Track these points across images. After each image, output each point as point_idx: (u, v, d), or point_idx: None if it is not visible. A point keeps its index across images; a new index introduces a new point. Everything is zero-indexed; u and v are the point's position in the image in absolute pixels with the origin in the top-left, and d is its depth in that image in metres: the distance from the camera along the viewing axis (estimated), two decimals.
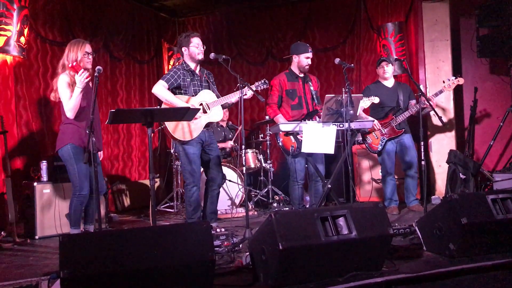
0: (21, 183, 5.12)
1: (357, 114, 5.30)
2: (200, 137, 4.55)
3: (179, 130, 4.48)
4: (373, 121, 5.26)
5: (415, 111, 5.27)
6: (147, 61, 7.65)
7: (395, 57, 6.26)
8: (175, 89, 4.60)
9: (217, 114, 4.61)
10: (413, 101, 5.57)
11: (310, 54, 5.03)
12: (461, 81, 5.37)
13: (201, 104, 4.54)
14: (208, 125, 4.61)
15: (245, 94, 4.39)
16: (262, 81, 4.67)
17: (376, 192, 6.23)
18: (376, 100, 5.09)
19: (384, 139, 5.42)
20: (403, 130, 5.42)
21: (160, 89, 4.51)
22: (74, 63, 4.04)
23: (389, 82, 5.58)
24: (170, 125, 4.48)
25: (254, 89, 4.48)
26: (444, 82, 5.41)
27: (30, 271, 3.49)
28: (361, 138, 5.87)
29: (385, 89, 5.52)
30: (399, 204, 5.60)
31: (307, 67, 5.04)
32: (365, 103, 5.10)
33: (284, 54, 7.86)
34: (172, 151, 6.67)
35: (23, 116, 5.56)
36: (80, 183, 4.12)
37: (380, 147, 5.44)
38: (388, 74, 5.53)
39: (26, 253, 4.25)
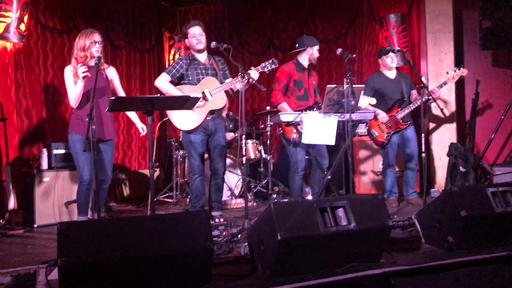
0: (20, 171, 5.10)
1: (361, 107, 5.29)
2: (205, 126, 4.56)
3: (182, 119, 4.49)
4: (374, 111, 5.24)
5: (418, 104, 5.23)
6: (147, 50, 7.61)
7: (398, 48, 6.21)
8: (179, 80, 4.64)
9: (219, 101, 4.54)
10: (414, 91, 5.54)
11: (318, 47, 5.13)
12: (464, 72, 5.32)
13: (203, 92, 4.51)
14: (212, 113, 4.58)
15: (247, 80, 4.29)
16: (270, 61, 4.50)
17: (376, 184, 6.22)
18: (373, 101, 5.03)
19: (390, 132, 5.38)
20: (409, 122, 5.40)
21: (161, 82, 4.57)
22: (80, 54, 4.15)
23: (392, 73, 5.53)
24: (173, 116, 4.52)
25: (260, 70, 4.42)
26: (448, 73, 5.37)
27: (28, 259, 3.49)
28: (363, 130, 5.84)
29: (388, 81, 5.48)
30: (399, 197, 5.59)
31: (315, 60, 5.11)
32: (362, 101, 5.04)
33: (286, 45, 7.87)
34: (173, 141, 6.68)
35: (23, 103, 5.54)
36: (80, 171, 4.22)
37: (386, 141, 5.40)
38: (395, 64, 5.50)
39: (25, 241, 4.26)
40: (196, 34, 4.61)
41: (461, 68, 5.33)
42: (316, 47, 5.06)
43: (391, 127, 5.37)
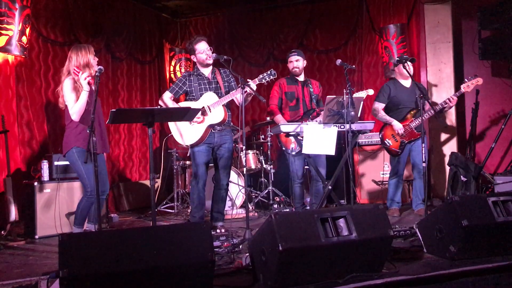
0: (21, 183, 5.10)
1: (378, 114, 5.28)
2: (209, 139, 4.63)
3: (183, 135, 4.62)
4: (374, 122, 5.24)
5: (432, 113, 5.20)
6: (148, 61, 7.65)
7: (397, 58, 6.24)
8: (186, 96, 4.78)
9: (218, 115, 4.59)
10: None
11: (292, 58, 5.19)
12: (480, 81, 5.21)
13: (202, 107, 4.55)
14: (213, 127, 4.62)
15: (245, 91, 4.31)
16: (268, 72, 4.54)
17: (378, 194, 6.21)
18: (370, 92, 4.95)
19: (404, 142, 5.34)
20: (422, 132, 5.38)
21: (163, 99, 4.74)
22: (75, 68, 4.06)
23: (407, 82, 5.47)
24: (174, 132, 4.67)
25: (257, 82, 4.49)
26: (465, 81, 5.20)
27: (30, 271, 3.49)
28: (364, 140, 5.82)
29: (404, 89, 5.43)
30: (402, 206, 5.56)
31: (296, 69, 5.17)
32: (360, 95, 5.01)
33: (286, 56, 7.88)
34: (173, 151, 6.69)
35: (24, 115, 5.56)
36: (91, 184, 4.09)
37: (400, 151, 5.35)
38: (411, 72, 5.47)
39: (26, 252, 4.25)
40: (205, 49, 4.68)
41: (476, 77, 5.22)
42: (289, 59, 5.19)
43: (405, 136, 5.34)
